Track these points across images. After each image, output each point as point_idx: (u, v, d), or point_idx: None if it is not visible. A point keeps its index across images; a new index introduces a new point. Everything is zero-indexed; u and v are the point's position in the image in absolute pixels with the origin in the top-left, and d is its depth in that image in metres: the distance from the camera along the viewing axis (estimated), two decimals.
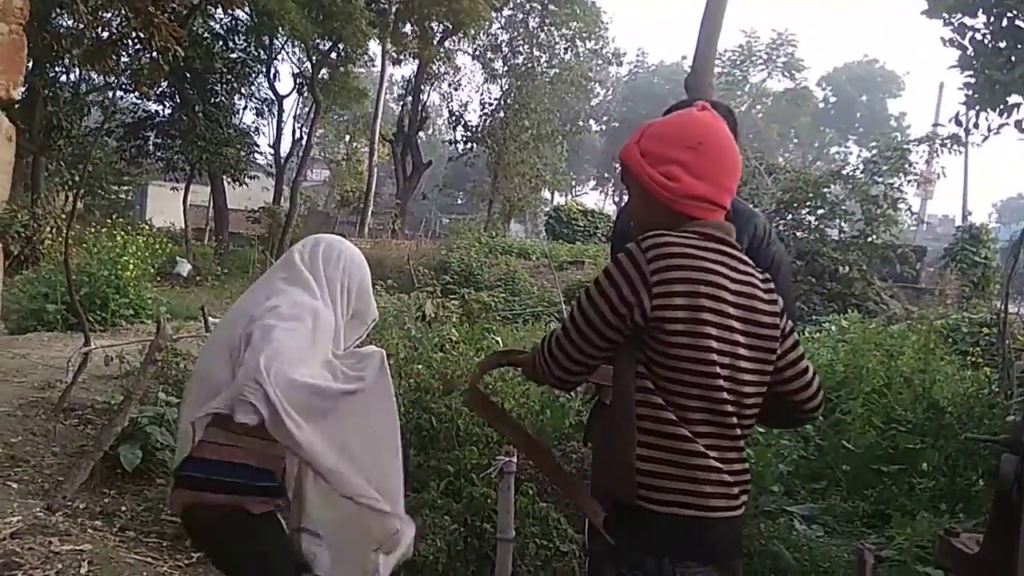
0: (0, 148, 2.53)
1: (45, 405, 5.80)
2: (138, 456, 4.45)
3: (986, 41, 7.28)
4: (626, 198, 1.94)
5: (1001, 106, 7.22)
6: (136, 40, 8.75)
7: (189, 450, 1.97)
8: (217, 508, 2.00)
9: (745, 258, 1.62)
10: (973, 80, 7.30)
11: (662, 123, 1.69)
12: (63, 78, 18.03)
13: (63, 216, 13.67)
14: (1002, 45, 7.19)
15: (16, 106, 2.62)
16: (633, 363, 1.55)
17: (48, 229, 13.65)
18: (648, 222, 1.62)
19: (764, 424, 1.75)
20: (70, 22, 13.36)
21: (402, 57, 27.87)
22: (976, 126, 7.61)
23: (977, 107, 7.40)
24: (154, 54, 8.25)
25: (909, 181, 13.49)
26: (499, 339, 7.76)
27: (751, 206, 2.54)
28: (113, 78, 11.19)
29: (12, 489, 4.18)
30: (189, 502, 2.03)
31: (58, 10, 12.32)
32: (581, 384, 1.61)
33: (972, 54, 7.33)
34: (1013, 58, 6.97)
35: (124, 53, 9.75)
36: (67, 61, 15.79)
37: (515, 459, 3.31)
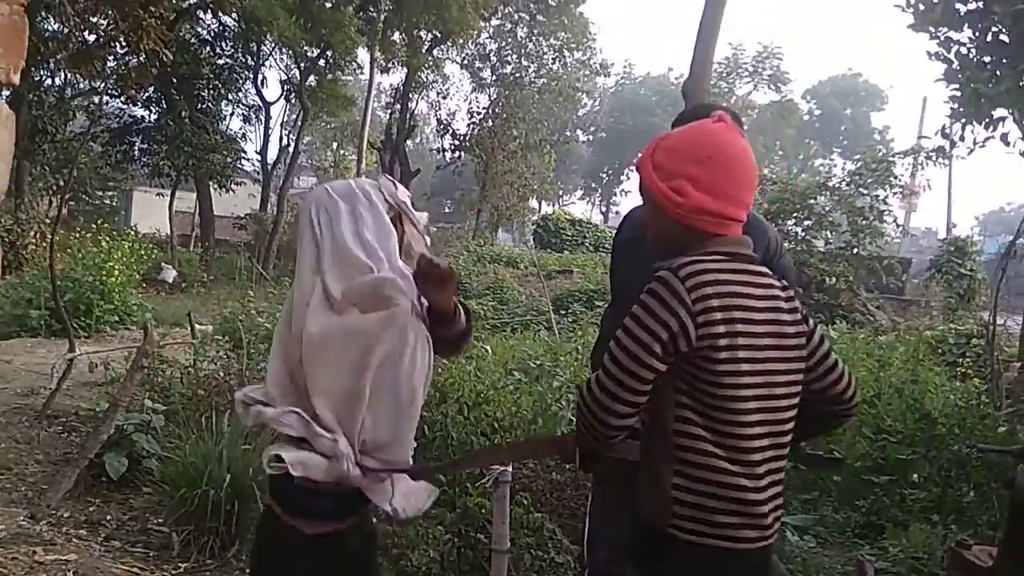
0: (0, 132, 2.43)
1: (28, 412, 5.72)
2: (124, 464, 4.38)
3: (971, 55, 7.34)
4: (616, 209, 1.95)
5: (987, 119, 7.29)
6: (124, 44, 8.70)
7: None
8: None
9: (765, 270, 1.62)
10: (959, 93, 7.35)
11: (676, 135, 1.69)
12: (48, 82, 17.85)
13: (47, 221, 13.49)
14: (987, 59, 7.25)
15: None
16: (671, 393, 1.53)
17: (32, 234, 13.49)
18: (659, 234, 1.64)
19: (801, 438, 1.75)
20: (56, 25, 13.22)
21: (390, 65, 27.75)
22: (962, 139, 7.68)
23: (963, 120, 7.47)
24: (141, 58, 8.20)
25: (894, 193, 13.60)
26: (488, 347, 7.73)
27: (761, 218, 2.56)
28: (99, 82, 11.10)
29: None
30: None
31: (44, 13, 12.17)
32: (626, 431, 1.56)
33: (958, 67, 7.39)
34: (998, 72, 7.02)
35: (111, 57, 9.69)
36: (52, 64, 15.63)
37: (510, 468, 3.28)
